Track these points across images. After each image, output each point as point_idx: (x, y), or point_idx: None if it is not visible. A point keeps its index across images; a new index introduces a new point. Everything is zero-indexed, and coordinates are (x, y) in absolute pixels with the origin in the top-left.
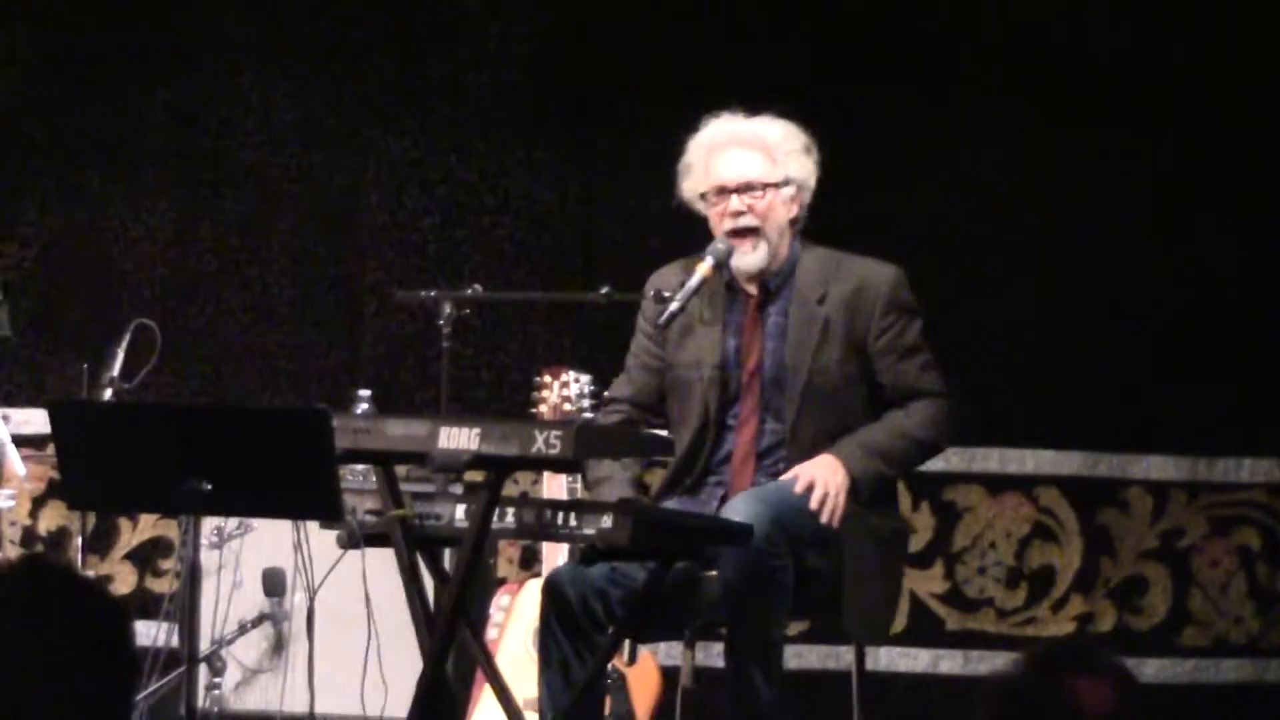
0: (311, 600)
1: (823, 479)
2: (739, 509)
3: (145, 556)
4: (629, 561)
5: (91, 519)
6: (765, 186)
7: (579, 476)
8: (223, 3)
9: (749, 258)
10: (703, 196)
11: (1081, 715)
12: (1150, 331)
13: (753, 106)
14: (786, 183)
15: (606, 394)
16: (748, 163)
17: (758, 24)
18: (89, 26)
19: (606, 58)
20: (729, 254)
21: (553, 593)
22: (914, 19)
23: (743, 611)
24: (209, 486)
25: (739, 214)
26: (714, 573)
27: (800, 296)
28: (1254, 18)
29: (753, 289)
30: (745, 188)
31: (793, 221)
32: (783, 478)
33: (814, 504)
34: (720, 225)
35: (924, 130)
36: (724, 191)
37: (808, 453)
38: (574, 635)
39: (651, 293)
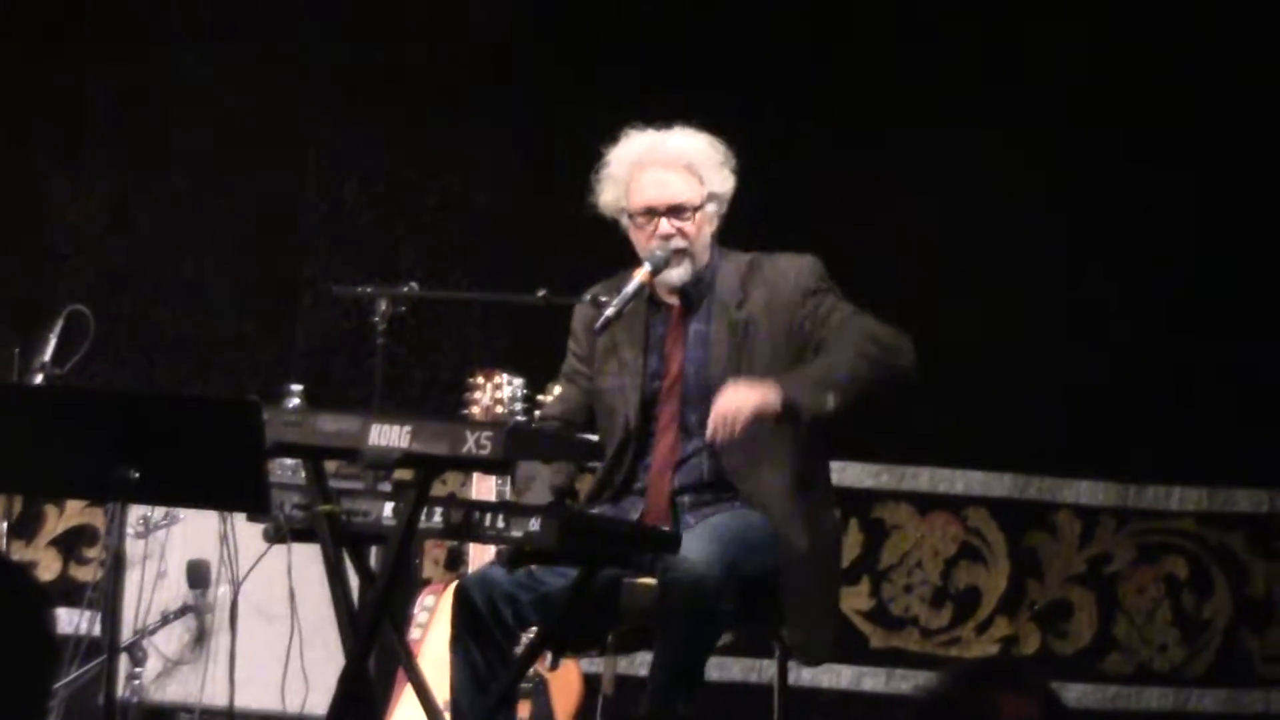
0: (235, 593)
1: (732, 397)
2: (695, 547)
3: (70, 544)
4: (556, 565)
5: (17, 504)
6: (694, 208)
7: (508, 480)
8: None
9: (675, 272)
10: (629, 215)
11: None
12: (1085, 356)
13: (690, 116)
14: (710, 199)
15: (540, 412)
16: (674, 184)
17: (702, 29)
18: (34, 4)
19: (551, 60)
20: (666, 261)
21: (462, 598)
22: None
23: (676, 637)
24: (137, 475)
25: (668, 236)
26: (644, 580)
27: (721, 305)
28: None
29: (674, 300)
30: (673, 210)
31: (714, 234)
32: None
33: (710, 425)
34: (647, 246)
35: (880, 144)
36: (652, 213)
37: (736, 455)
38: (482, 640)
39: (588, 297)
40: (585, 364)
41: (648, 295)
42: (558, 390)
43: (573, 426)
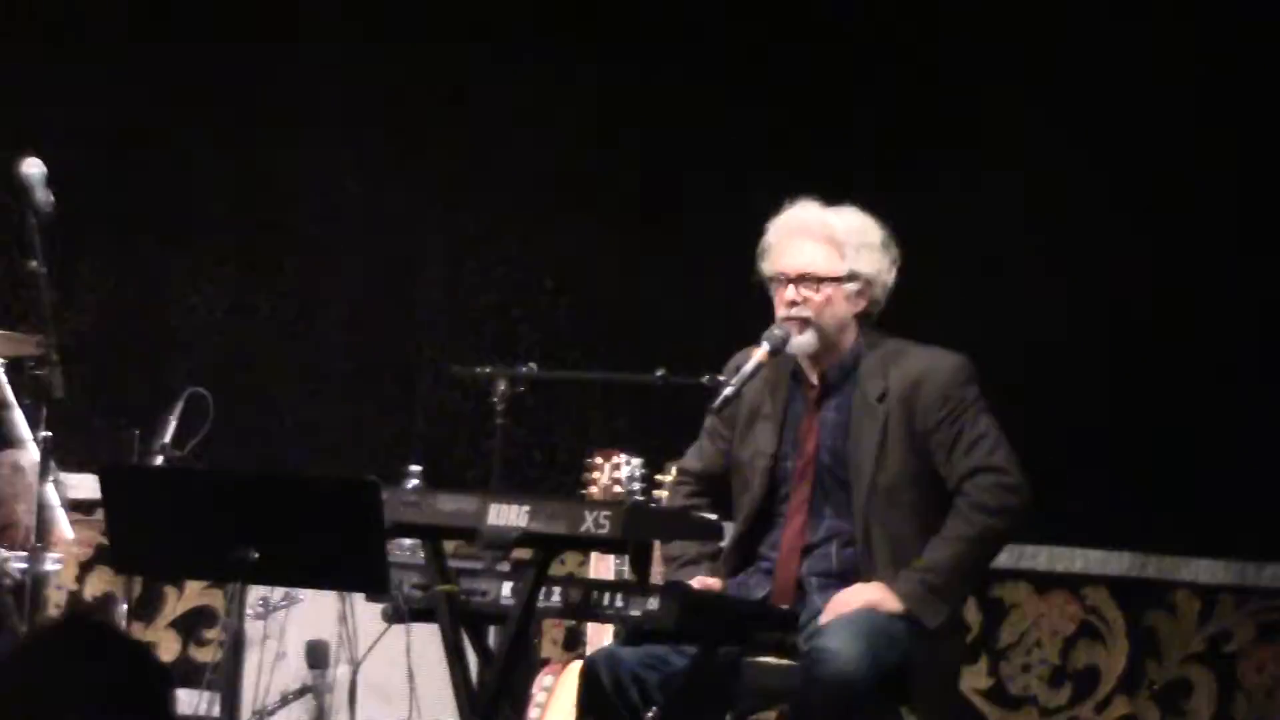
0: (355, 673)
1: (848, 600)
2: (841, 642)
3: (190, 625)
4: (674, 644)
5: (138, 585)
6: (823, 280)
7: (626, 558)
8: (291, 74)
9: (798, 340)
10: (769, 280)
11: None
12: (1201, 435)
13: (831, 195)
14: (851, 278)
15: (678, 464)
16: (810, 254)
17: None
18: (155, 94)
19: (669, 143)
20: (785, 340)
21: (588, 676)
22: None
23: None
24: (257, 555)
25: (794, 303)
26: (765, 659)
27: (861, 392)
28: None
29: (815, 379)
30: (802, 278)
31: (858, 315)
32: (827, 610)
33: (824, 619)
34: (778, 311)
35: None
36: (785, 279)
37: (873, 553)
38: (607, 719)
39: (722, 376)
40: (727, 425)
41: (792, 370)
42: (679, 464)
43: (709, 482)
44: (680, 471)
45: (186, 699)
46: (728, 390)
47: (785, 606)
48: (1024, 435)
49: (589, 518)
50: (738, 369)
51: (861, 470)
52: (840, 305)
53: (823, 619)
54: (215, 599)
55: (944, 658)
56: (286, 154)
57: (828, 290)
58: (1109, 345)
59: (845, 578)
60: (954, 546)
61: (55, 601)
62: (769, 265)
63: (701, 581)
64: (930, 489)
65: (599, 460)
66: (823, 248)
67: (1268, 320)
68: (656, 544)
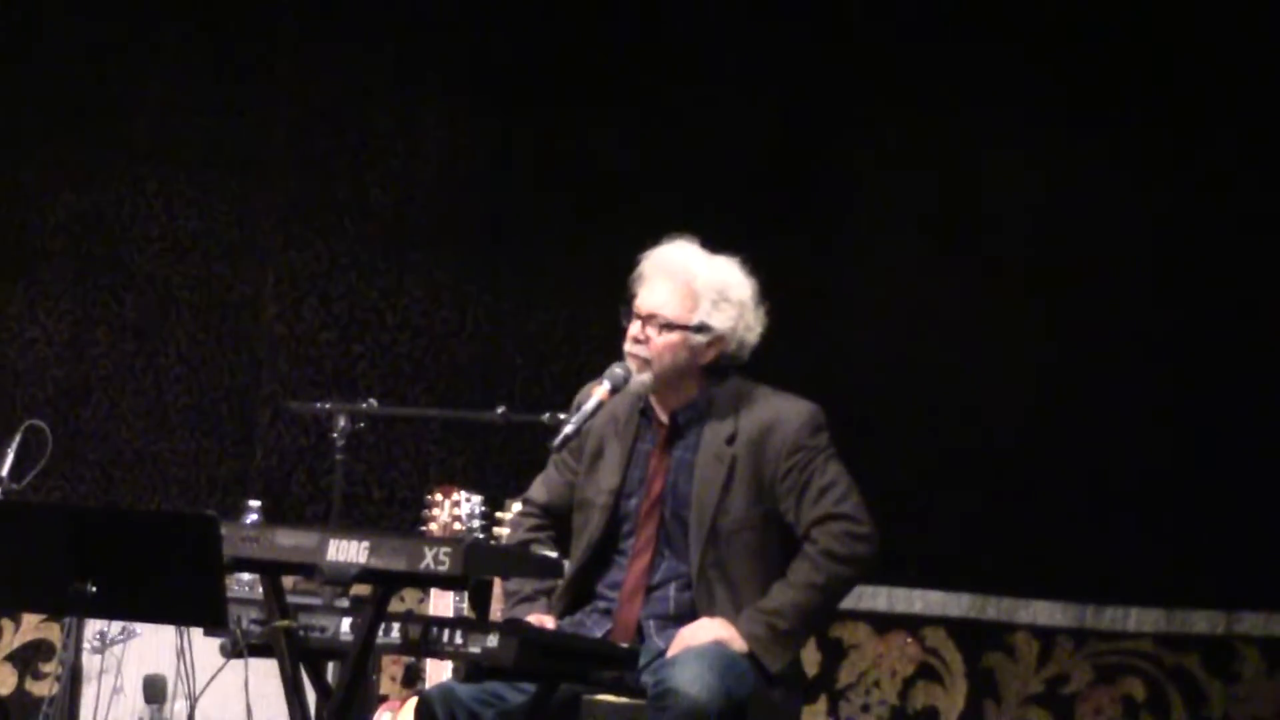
0: (192, 708)
1: (697, 634)
2: (691, 675)
3: (26, 659)
4: (514, 681)
5: None
6: (667, 325)
7: (465, 595)
8: (129, 110)
9: (638, 379)
10: (628, 309)
11: None
12: (1042, 476)
13: (713, 244)
14: (700, 329)
15: (523, 495)
16: (662, 296)
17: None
18: None
19: (512, 180)
20: (625, 379)
21: (423, 713)
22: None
23: None
24: (94, 589)
25: (636, 340)
26: (603, 697)
27: (711, 433)
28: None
29: (664, 418)
30: (650, 317)
31: (703, 366)
32: (675, 643)
33: (671, 653)
34: (624, 344)
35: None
36: (635, 315)
37: (711, 596)
38: None
39: (562, 415)
40: (574, 457)
41: (641, 408)
42: (525, 494)
43: (554, 516)
44: (525, 502)
45: None
46: (567, 429)
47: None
48: (864, 474)
49: (429, 554)
50: (579, 406)
51: (703, 511)
52: (681, 353)
53: (671, 651)
54: (52, 633)
55: (784, 704)
56: (126, 188)
57: (671, 337)
58: (942, 384)
59: (682, 620)
60: (801, 593)
61: None
62: (633, 293)
63: (537, 619)
64: (771, 535)
65: (439, 497)
66: (678, 293)
67: (1090, 351)
68: (496, 581)
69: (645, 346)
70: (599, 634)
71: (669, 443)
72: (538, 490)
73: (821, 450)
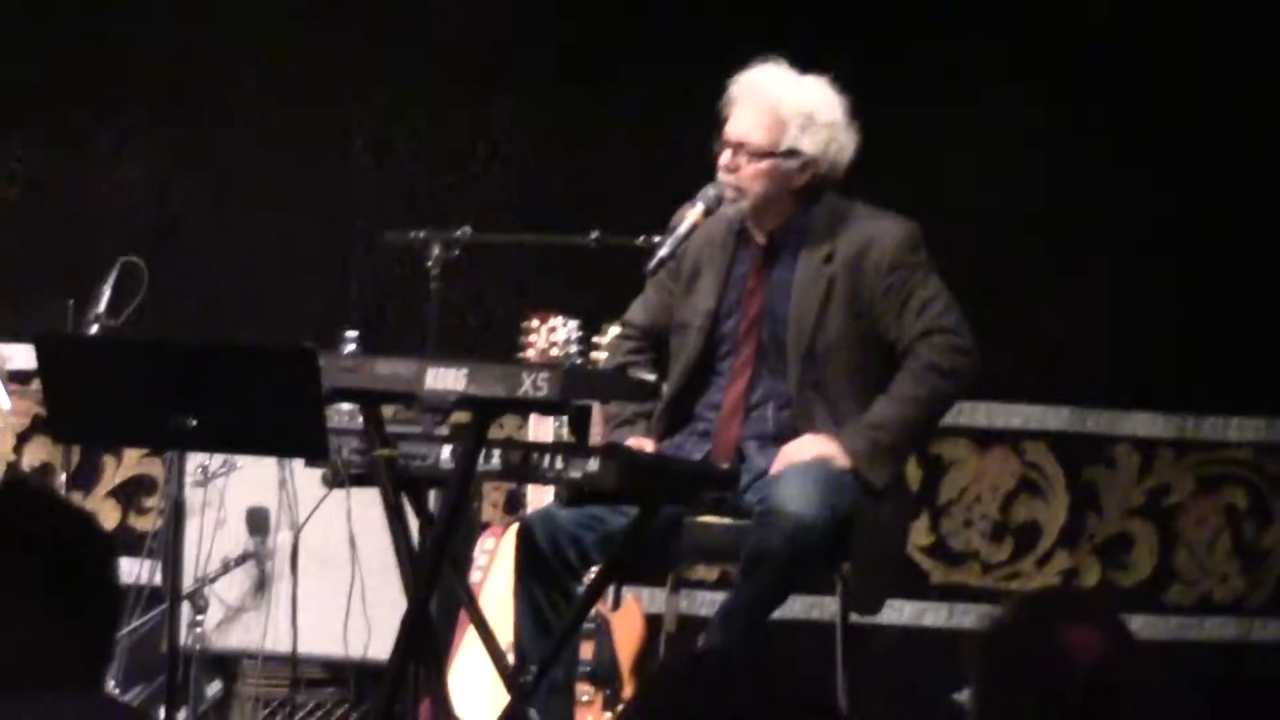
0: (295, 539)
1: (798, 451)
2: (794, 491)
3: (129, 494)
4: (614, 505)
5: (76, 455)
6: (755, 153)
7: (565, 420)
8: None
9: (730, 206)
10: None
11: (1072, 663)
12: (1141, 288)
13: (804, 63)
14: (790, 154)
15: (622, 317)
16: (748, 124)
17: None
18: None
19: (598, 9)
20: (719, 200)
21: (524, 538)
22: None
23: (768, 578)
24: (195, 422)
25: (727, 169)
26: (705, 518)
27: (808, 253)
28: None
29: (761, 239)
30: (738, 146)
31: (797, 190)
32: (777, 460)
33: (774, 469)
34: (718, 172)
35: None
36: (725, 143)
37: (810, 415)
38: (545, 580)
39: (657, 238)
40: (672, 279)
41: (739, 229)
42: (624, 317)
43: (653, 337)
44: (624, 324)
45: (128, 567)
46: (662, 251)
47: (726, 466)
48: (961, 291)
49: (527, 380)
50: (674, 228)
51: (801, 331)
52: (772, 180)
53: (774, 469)
54: (154, 467)
55: (887, 519)
56: (213, 23)
57: (760, 164)
58: (1046, 205)
59: (782, 439)
60: (904, 407)
61: None
62: (724, 119)
63: (637, 441)
64: (869, 353)
65: (536, 323)
66: (764, 119)
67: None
68: (595, 405)
69: (736, 175)
70: (698, 456)
71: (766, 264)
72: (636, 313)
73: (920, 266)
